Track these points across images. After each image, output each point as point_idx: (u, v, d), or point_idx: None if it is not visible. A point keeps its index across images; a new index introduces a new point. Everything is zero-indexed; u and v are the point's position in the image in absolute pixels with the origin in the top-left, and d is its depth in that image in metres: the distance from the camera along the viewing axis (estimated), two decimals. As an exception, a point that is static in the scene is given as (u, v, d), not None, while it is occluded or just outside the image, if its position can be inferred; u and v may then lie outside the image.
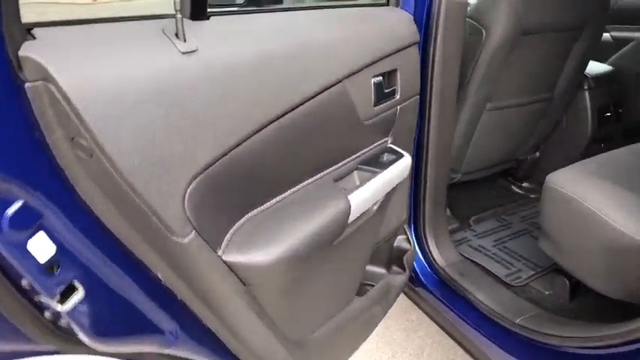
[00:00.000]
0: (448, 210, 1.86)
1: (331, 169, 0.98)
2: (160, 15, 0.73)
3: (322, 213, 0.87)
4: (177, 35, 0.70)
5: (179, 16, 0.69)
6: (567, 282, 1.46)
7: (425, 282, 1.58)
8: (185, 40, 0.70)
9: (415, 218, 1.55)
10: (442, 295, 1.55)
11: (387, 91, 1.10)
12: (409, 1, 1.25)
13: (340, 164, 1.00)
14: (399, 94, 1.14)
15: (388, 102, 1.11)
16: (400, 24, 1.15)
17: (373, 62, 1.01)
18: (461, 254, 1.63)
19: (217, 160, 0.73)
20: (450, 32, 1.29)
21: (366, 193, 0.97)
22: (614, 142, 2.03)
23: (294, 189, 0.90)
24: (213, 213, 0.75)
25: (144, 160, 0.65)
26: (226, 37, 0.78)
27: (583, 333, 1.13)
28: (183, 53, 0.69)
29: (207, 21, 0.77)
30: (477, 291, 1.48)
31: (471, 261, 1.64)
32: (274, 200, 0.86)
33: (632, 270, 1.20)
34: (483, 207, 2.02)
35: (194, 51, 0.70)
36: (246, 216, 0.82)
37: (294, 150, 0.87)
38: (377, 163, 1.06)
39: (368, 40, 1.01)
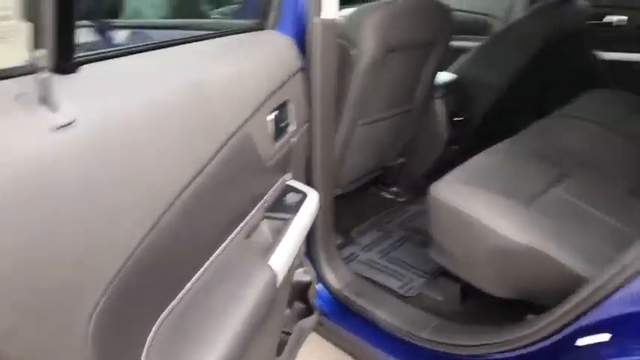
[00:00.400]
0: (332, 227, 1.84)
1: (242, 224, 0.85)
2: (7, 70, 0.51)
3: (249, 296, 0.74)
4: (43, 101, 0.49)
5: (45, 74, 0.49)
6: (457, 286, 1.53)
7: (326, 310, 1.53)
8: (57, 109, 0.50)
9: (308, 244, 1.49)
10: (345, 320, 1.52)
11: (282, 125, 1.01)
12: (284, 23, 1.18)
13: (249, 216, 0.88)
14: (293, 125, 1.06)
15: (285, 137, 1.02)
16: (285, 50, 1.07)
17: (269, 97, 0.91)
18: (354, 273, 1.62)
19: (122, 268, 0.55)
20: (326, 53, 1.25)
21: (287, 252, 0.87)
22: (466, 143, 2.23)
23: (212, 261, 0.75)
24: (123, 332, 0.57)
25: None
26: (106, 95, 0.60)
27: (491, 339, 1.19)
28: (57, 128, 0.50)
29: (76, 74, 0.59)
30: (377, 309, 1.48)
31: (365, 278, 1.64)
32: (190, 286, 0.71)
33: (518, 270, 1.29)
34: (361, 218, 2.05)
35: (70, 123, 0.51)
36: (162, 318, 0.65)
37: (207, 219, 0.72)
38: (284, 207, 0.96)
39: (259, 73, 0.91)
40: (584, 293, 1.04)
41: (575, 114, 2.06)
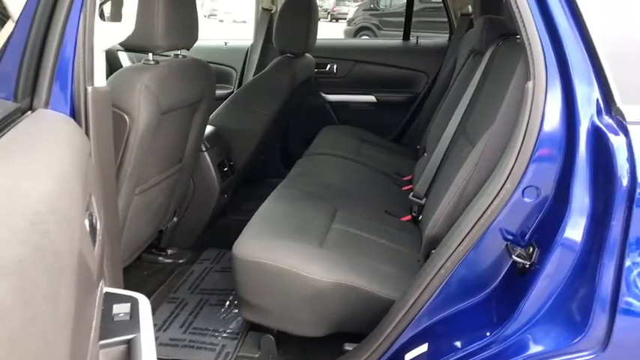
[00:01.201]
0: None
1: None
2: None
3: None
4: None
5: None
6: (271, 338, 1.54)
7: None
8: None
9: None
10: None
11: (94, 225, 0.83)
12: (57, 100, 0.98)
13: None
14: (99, 222, 0.89)
15: (97, 239, 0.84)
16: (74, 134, 0.89)
17: (84, 199, 0.74)
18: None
19: None
20: (101, 126, 1.10)
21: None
22: (233, 190, 2.27)
23: None
24: None
25: None
26: None
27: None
28: None
29: None
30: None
31: (176, 361, 1.49)
32: None
33: (333, 307, 1.39)
34: (145, 292, 1.85)
35: None
36: None
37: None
38: (118, 326, 0.79)
39: (69, 178, 0.73)
40: (396, 315, 1.19)
41: (322, 151, 2.35)
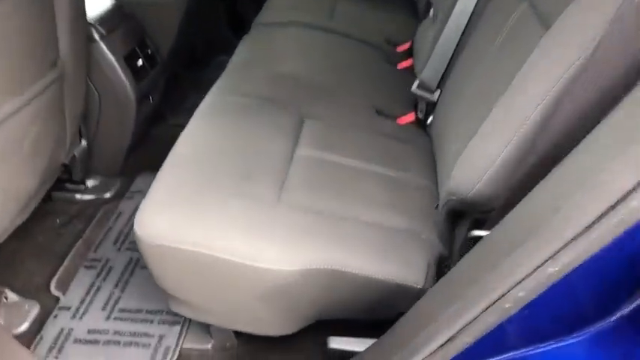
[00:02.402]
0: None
1: None
2: None
3: None
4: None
5: None
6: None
7: None
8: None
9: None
10: None
11: None
12: None
13: None
14: None
15: None
16: None
17: None
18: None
19: None
20: None
21: None
22: (159, 88, 1.63)
23: None
24: None
25: None
26: None
27: None
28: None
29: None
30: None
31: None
32: None
33: (303, 298, 0.89)
34: (55, 255, 1.35)
35: None
36: None
37: None
38: None
39: None
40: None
41: (278, 18, 1.64)
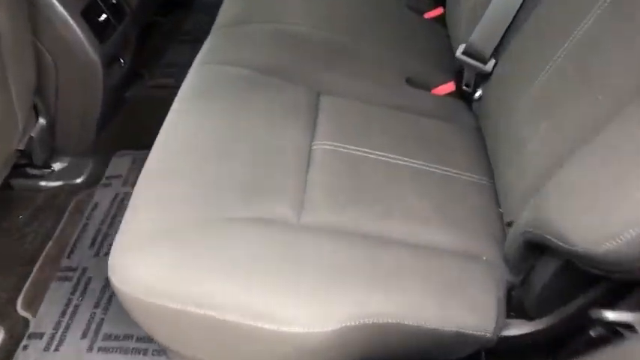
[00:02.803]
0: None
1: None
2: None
3: None
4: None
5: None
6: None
7: None
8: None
9: None
10: None
11: None
12: None
13: None
14: None
15: None
16: None
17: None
18: None
19: None
20: None
21: None
22: (130, 47, 1.33)
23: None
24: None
25: None
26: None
27: None
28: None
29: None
30: None
31: None
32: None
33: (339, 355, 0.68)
34: (18, 263, 1.13)
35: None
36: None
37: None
38: None
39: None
40: None
41: None
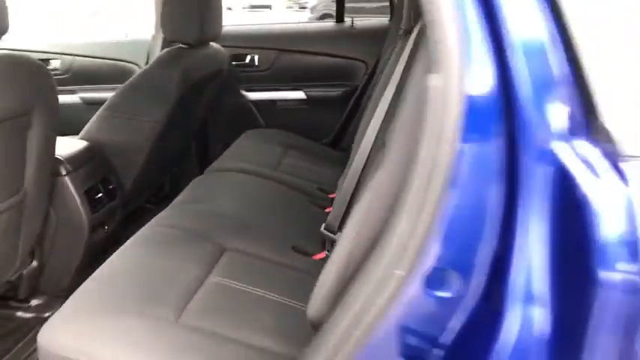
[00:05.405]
0: None
1: None
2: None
3: None
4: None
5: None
6: None
7: None
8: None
9: None
10: None
11: None
12: None
13: None
14: None
15: None
16: None
17: None
18: None
19: None
20: None
21: None
22: (115, 219, 1.80)
23: None
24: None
25: None
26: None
27: None
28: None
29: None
30: None
31: None
32: None
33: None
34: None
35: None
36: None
37: None
38: None
39: None
40: None
41: (229, 165, 1.89)
